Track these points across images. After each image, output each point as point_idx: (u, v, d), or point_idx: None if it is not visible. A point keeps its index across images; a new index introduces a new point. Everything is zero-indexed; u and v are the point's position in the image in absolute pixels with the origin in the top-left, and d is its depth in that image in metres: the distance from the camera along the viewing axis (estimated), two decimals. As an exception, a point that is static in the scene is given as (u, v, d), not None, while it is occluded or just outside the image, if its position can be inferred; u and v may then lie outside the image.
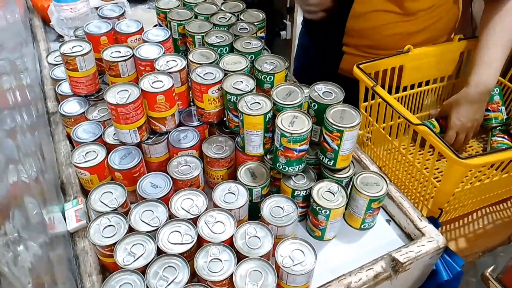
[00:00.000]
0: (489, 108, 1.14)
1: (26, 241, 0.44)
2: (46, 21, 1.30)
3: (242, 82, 0.80)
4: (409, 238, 0.80)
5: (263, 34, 1.00)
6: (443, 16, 1.07)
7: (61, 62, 0.91)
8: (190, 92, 0.87)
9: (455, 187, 0.83)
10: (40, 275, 0.48)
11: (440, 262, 0.80)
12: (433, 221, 0.81)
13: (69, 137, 0.92)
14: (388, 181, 0.79)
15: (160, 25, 1.06)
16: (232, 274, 0.62)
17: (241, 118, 0.75)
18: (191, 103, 0.89)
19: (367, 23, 1.04)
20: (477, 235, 0.96)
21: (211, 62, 0.85)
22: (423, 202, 0.93)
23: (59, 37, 1.27)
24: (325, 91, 0.78)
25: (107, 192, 0.75)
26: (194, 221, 0.69)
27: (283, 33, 2.10)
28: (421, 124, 0.82)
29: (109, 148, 0.82)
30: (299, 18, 2.00)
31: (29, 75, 0.93)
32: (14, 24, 0.99)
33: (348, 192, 0.77)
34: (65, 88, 0.96)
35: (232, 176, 0.84)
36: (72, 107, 0.92)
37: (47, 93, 1.04)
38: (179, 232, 0.68)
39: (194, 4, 1.03)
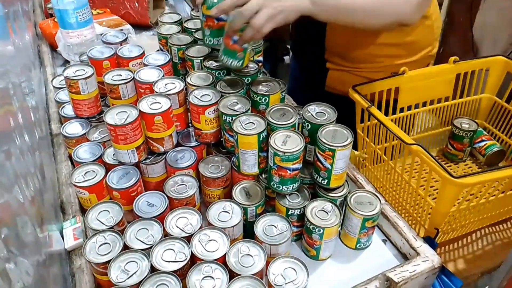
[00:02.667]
0: (484, 138, 1.16)
1: (17, 258, 0.45)
2: (53, 47, 1.35)
3: (237, 103, 0.82)
4: (405, 258, 0.79)
5: (260, 58, 1.02)
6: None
7: (65, 85, 0.94)
8: (189, 113, 0.89)
9: (450, 207, 0.83)
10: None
11: (437, 283, 0.79)
12: (429, 241, 0.80)
13: (70, 158, 0.94)
14: (382, 200, 0.79)
15: (162, 50, 1.10)
16: (224, 292, 0.63)
17: (236, 138, 0.77)
18: (190, 124, 0.91)
19: (343, 38, 1.04)
20: (476, 256, 0.95)
21: (208, 85, 0.87)
22: (419, 222, 0.93)
23: (66, 62, 1.32)
24: (318, 111, 0.80)
25: (104, 210, 0.76)
26: (188, 239, 0.70)
27: (286, 58, 2.14)
28: (415, 144, 0.83)
29: (108, 168, 0.84)
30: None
31: (34, 98, 0.96)
32: (23, 49, 1.03)
33: (343, 211, 0.78)
34: (68, 110, 0.99)
35: (229, 196, 0.85)
36: (74, 128, 0.94)
37: (51, 116, 1.07)
38: (173, 250, 0.69)
39: (194, 30, 1.07)
